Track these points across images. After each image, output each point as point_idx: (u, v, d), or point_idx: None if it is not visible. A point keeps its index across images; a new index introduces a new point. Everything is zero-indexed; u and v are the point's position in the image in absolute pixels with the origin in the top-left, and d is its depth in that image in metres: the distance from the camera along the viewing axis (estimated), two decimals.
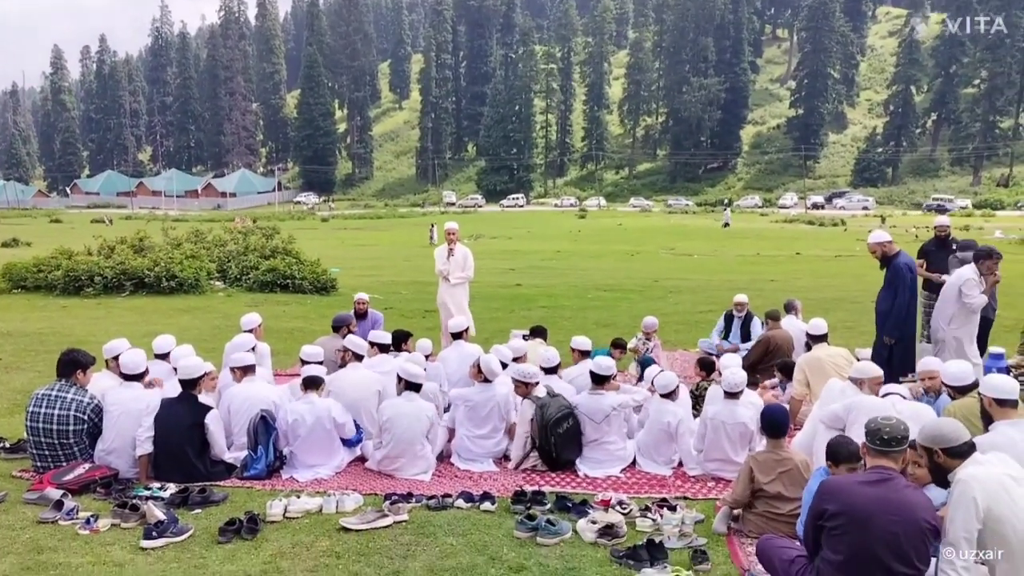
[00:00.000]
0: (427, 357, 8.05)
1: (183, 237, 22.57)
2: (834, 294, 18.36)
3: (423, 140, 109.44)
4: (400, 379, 6.75)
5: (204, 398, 6.49)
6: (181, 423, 6.17)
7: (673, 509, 5.37)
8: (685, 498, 5.88)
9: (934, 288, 10.05)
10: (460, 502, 5.62)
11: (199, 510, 5.56)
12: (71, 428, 6.11)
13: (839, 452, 4.46)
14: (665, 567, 4.43)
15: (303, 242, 24.27)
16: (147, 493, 5.75)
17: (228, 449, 6.51)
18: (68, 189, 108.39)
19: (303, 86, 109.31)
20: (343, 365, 7.66)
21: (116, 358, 6.69)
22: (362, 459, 6.80)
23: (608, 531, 4.99)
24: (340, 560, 4.76)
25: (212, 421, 6.26)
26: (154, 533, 4.98)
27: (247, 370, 6.92)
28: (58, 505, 5.40)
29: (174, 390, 6.49)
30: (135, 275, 18.16)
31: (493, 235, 46.87)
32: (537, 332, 9.46)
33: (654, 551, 4.63)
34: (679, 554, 4.81)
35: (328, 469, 6.47)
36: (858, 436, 5.36)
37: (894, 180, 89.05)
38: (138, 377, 6.41)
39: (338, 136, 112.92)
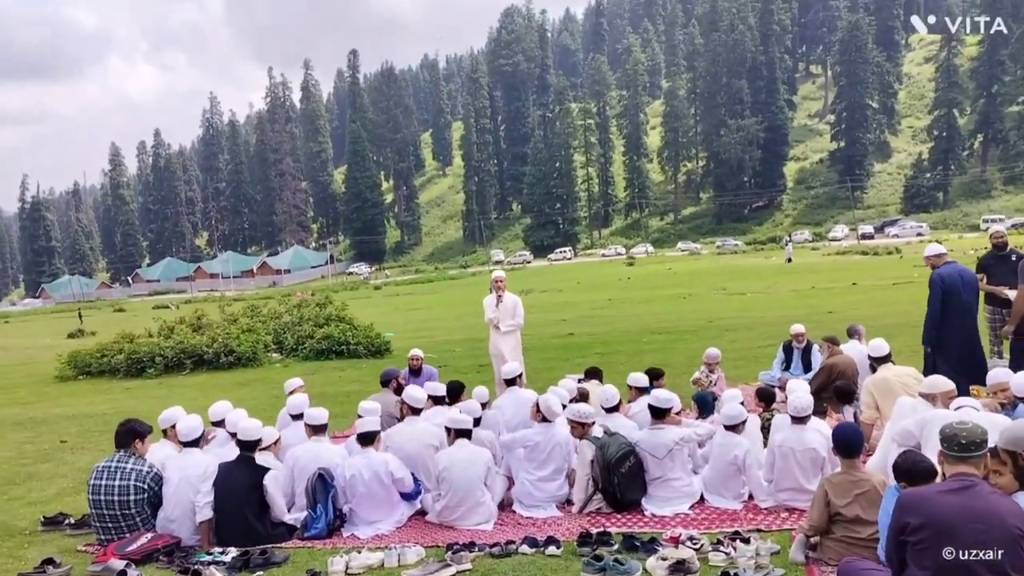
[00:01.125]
0: (483, 405, 7.95)
1: (239, 312, 23.00)
2: (895, 319, 17.79)
3: (468, 203, 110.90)
4: (449, 431, 6.69)
5: (263, 460, 6.48)
6: (240, 486, 6.15)
7: (747, 541, 5.14)
8: (759, 530, 5.63)
9: (999, 302, 9.66)
10: (524, 548, 5.45)
11: (261, 572, 5.49)
12: (132, 498, 6.13)
13: (915, 471, 4.22)
14: None
15: (357, 310, 24.52)
16: (209, 558, 5.71)
17: (289, 511, 6.47)
18: (130, 279, 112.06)
19: (349, 161, 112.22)
20: (401, 419, 7.61)
21: (173, 427, 6.75)
22: (422, 513, 6.70)
23: (680, 567, 4.79)
24: None
25: (271, 482, 6.23)
26: None
27: (319, 429, 6.90)
28: (121, 575, 5.39)
29: (231, 455, 6.50)
30: (194, 353, 18.52)
31: (543, 289, 46.84)
32: (592, 374, 9.31)
33: None
34: None
35: (389, 524, 6.37)
36: (933, 454, 5.12)
37: (946, 204, 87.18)
38: (195, 443, 6.44)
39: (385, 206, 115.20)
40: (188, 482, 6.17)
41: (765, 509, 6.21)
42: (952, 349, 8.63)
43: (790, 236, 75.44)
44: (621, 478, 6.28)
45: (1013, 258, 9.81)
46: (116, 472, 6.16)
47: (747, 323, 20.51)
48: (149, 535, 6.04)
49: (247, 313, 23.14)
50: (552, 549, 5.39)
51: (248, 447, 6.33)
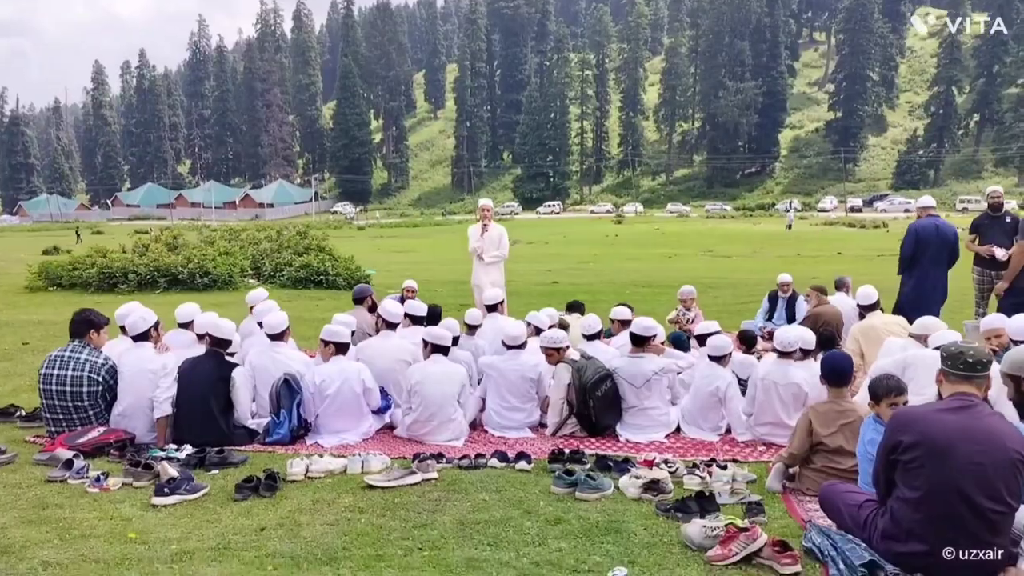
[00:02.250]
0: (472, 329, 7.64)
1: (217, 236, 22.55)
2: (880, 286, 17.61)
3: (458, 149, 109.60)
4: (426, 343, 6.45)
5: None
6: (206, 378, 5.92)
7: (724, 467, 4.95)
8: (735, 461, 5.44)
9: (988, 263, 9.51)
10: (494, 461, 5.25)
11: (216, 471, 5.26)
12: (85, 390, 5.84)
13: (878, 387, 4.16)
14: (717, 516, 4.00)
15: (340, 248, 24.17)
16: (162, 454, 5.47)
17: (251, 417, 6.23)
18: (109, 202, 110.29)
19: (339, 97, 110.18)
20: (376, 334, 7.37)
21: None
22: (390, 428, 6.49)
23: (653, 486, 4.59)
24: (363, 515, 4.41)
25: (240, 377, 5.98)
26: (166, 490, 4.69)
27: (278, 337, 6.62)
28: (68, 464, 5.13)
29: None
30: (169, 272, 18.08)
31: (529, 240, 46.48)
32: (574, 307, 9.09)
33: (704, 503, 4.21)
34: (731, 508, 4.38)
35: (355, 435, 6.15)
36: (916, 392, 4.96)
37: (936, 182, 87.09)
38: (145, 336, 6.14)
39: (374, 146, 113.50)
40: (144, 376, 5.90)
41: (742, 442, 6.04)
42: (908, 293, 9.24)
43: (791, 203, 75.29)
44: (597, 401, 6.07)
45: (1007, 220, 9.81)
46: (69, 362, 5.86)
47: (732, 283, 20.33)
48: (101, 429, 5.78)
49: (225, 237, 22.70)
50: (523, 464, 5.19)
51: (220, 344, 6.07)
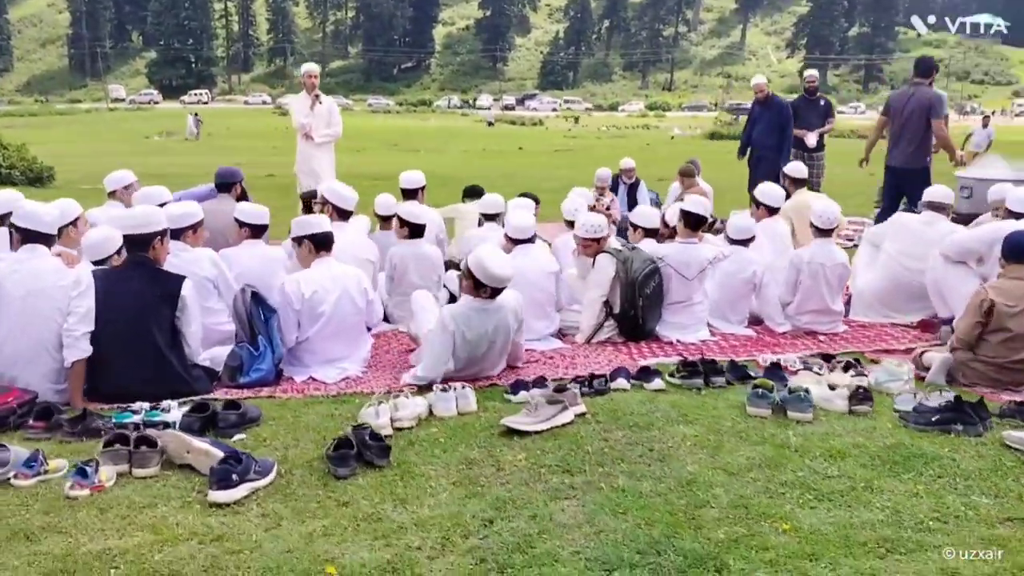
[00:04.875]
0: (387, 221, 6.06)
1: None
2: (567, 182, 17.81)
3: (75, 26, 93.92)
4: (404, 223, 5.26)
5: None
6: (142, 298, 3.89)
7: (849, 367, 4.29)
8: (827, 356, 4.78)
9: (801, 146, 9.98)
10: (621, 381, 4.06)
11: (241, 435, 3.44)
12: None
13: None
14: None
15: None
16: (136, 418, 3.45)
17: None
18: None
19: None
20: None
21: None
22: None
23: (861, 395, 3.78)
24: (573, 475, 3.06)
25: (189, 293, 3.99)
26: (234, 477, 2.87)
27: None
28: None
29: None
30: None
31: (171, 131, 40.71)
32: (473, 193, 7.76)
33: (976, 409, 3.52)
34: None
35: (356, 363, 4.50)
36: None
37: (575, 83, 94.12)
38: (43, 237, 3.87)
39: None
40: (43, 298, 3.74)
41: (782, 334, 5.45)
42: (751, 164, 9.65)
43: (496, 99, 76.08)
44: (646, 300, 5.06)
45: (821, 103, 10.42)
46: None
47: (441, 181, 19.60)
48: None
49: None
50: (656, 382, 4.08)
51: (143, 245, 3.97)
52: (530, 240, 5.13)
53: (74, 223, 4.63)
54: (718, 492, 2.93)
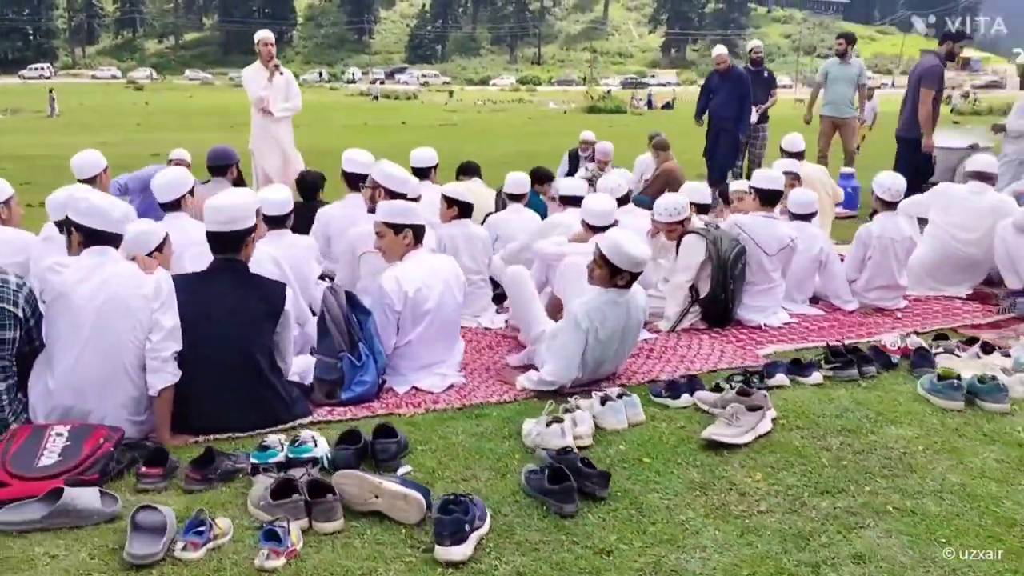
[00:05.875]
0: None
1: None
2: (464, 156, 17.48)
3: None
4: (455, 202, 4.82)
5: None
6: (239, 314, 3.21)
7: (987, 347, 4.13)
8: (917, 332, 4.60)
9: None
10: (780, 377, 3.70)
11: (407, 467, 2.87)
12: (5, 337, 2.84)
13: None
14: None
15: None
16: (279, 456, 2.78)
17: None
18: None
19: None
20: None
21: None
22: None
23: None
24: (830, 496, 2.68)
25: (292, 305, 3.34)
26: (466, 527, 2.32)
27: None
28: (148, 523, 2.30)
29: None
30: None
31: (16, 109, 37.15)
32: (469, 171, 7.18)
33: None
34: None
35: (453, 368, 3.94)
36: None
37: (444, 57, 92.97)
38: (110, 239, 3.11)
39: None
40: (120, 311, 3.01)
41: (851, 312, 5.25)
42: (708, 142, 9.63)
43: (365, 73, 73.61)
44: (735, 282, 4.73)
45: (765, 74, 10.49)
46: None
47: (335, 157, 18.62)
48: (63, 429, 2.77)
49: None
50: (815, 376, 3.75)
51: (234, 244, 3.27)
52: (613, 225, 4.66)
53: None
54: (1011, 504, 2.62)
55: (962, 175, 6.07)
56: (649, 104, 43.91)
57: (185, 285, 3.18)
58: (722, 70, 9.86)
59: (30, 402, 3.03)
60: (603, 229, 4.37)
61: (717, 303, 4.74)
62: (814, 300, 5.43)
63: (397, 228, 3.84)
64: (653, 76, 75.78)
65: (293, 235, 4.53)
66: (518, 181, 5.83)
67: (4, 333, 2.88)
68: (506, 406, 3.52)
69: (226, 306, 3.20)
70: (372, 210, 4.84)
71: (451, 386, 3.78)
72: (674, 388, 3.54)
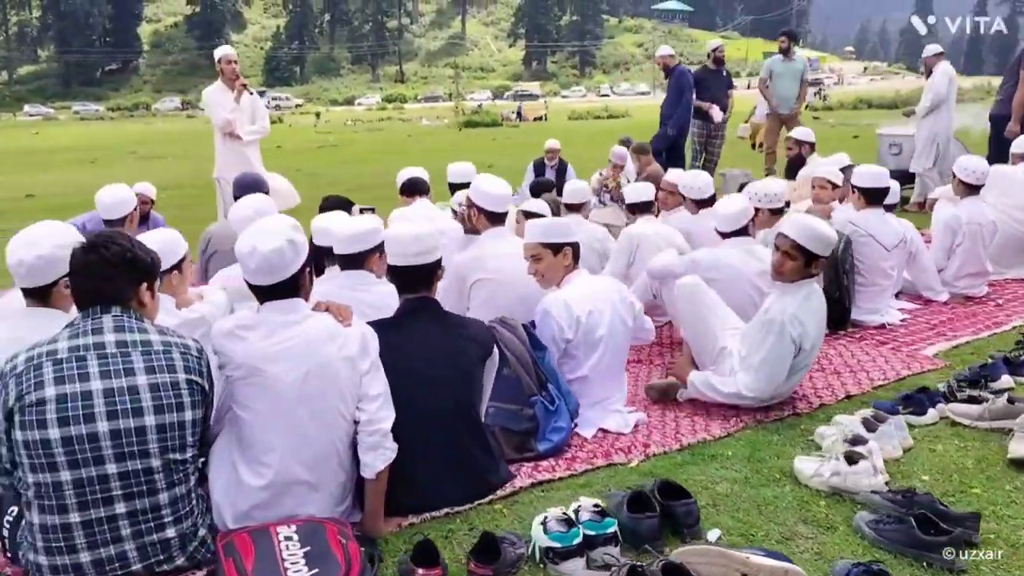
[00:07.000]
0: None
1: None
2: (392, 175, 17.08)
3: None
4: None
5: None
6: (449, 365, 2.63)
7: None
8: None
9: (704, 118, 10.01)
10: (1006, 379, 3.37)
11: (717, 531, 2.34)
12: (188, 417, 2.13)
13: None
14: None
15: None
16: (579, 537, 2.18)
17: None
18: None
19: None
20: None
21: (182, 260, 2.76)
22: None
23: None
24: None
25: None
26: None
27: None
28: None
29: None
30: None
31: None
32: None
33: None
34: None
35: (621, 402, 3.40)
36: None
37: (303, 79, 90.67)
38: (293, 287, 2.41)
39: None
40: (325, 376, 2.35)
41: (945, 303, 5.07)
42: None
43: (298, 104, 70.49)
44: (848, 278, 4.43)
45: (724, 74, 10.48)
46: (123, 357, 2.00)
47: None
48: (292, 531, 2.10)
49: None
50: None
51: (426, 279, 2.65)
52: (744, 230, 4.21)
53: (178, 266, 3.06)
54: None
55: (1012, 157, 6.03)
56: (519, 116, 44.01)
57: (381, 335, 2.53)
58: (664, 69, 9.94)
59: (213, 500, 2.31)
60: (739, 233, 4.00)
61: (834, 302, 4.40)
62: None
63: (556, 248, 3.30)
64: (525, 90, 76.48)
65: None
66: (576, 190, 5.37)
67: (194, 412, 2.14)
68: (728, 440, 3.03)
69: (437, 353, 2.57)
70: (470, 231, 4.29)
71: (636, 425, 3.26)
72: (914, 403, 3.15)
